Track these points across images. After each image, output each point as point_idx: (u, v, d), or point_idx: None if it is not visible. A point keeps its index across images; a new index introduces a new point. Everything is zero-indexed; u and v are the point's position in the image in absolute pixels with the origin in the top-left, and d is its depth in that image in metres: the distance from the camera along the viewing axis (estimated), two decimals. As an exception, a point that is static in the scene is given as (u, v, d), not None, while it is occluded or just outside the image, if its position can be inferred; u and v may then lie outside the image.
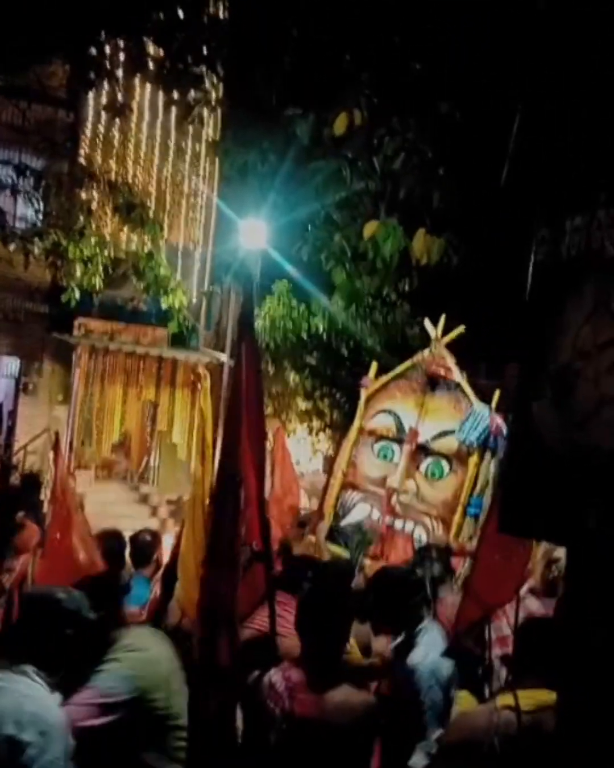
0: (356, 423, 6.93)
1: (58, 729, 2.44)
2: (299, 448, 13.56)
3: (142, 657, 2.93)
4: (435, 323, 6.77)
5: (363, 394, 6.95)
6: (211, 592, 3.03)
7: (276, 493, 6.97)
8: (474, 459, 6.20)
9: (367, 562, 6.13)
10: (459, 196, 6.32)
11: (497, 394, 6.40)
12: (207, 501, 3.58)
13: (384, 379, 6.90)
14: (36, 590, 3.23)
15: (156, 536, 5.89)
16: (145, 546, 5.67)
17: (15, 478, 12.22)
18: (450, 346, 6.67)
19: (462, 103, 5.86)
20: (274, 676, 3.11)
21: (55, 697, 2.56)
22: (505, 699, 2.69)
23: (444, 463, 6.40)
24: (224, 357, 15.32)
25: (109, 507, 14.26)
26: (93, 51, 6.89)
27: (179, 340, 15.92)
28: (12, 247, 10.22)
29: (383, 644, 5.03)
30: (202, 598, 3.07)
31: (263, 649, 3.47)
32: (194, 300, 15.95)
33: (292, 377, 14.46)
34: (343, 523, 6.63)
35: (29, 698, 2.46)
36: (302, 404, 14.46)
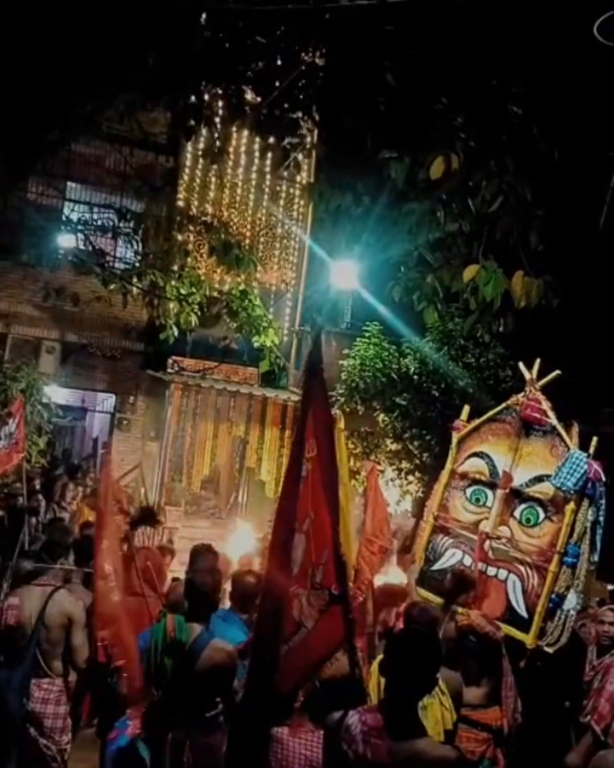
0: (448, 466, 6.81)
1: None
2: (387, 489, 13.41)
3: None
4: (529, 366, 6.64)
5: (455, 437, 6.84)
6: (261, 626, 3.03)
7: (366, 534, 6.83)
8: (570, 506, 5.98)
9: (458, 609, 5.99)
10: (557, 238, 6.22)
11: (594, 440, 6.21)
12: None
13: (477, 421, 6.79)
14: None
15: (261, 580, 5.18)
16: (247, 589, 5.19)
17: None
18: (546, 390, 6.53)
19: (560, 143, 5.80)
20: (352, 718, 3.07)
21: None
22: None
23: (540, 510, 6.20)
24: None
25: (196, 543, 14.32)
26: (193, 99, 7.10)
27: (269, 379, 16.06)
28: (112, 286, 10.53)
29: (475, 694, 4.87)
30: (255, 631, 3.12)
31: (344, 691, 3.43)
32: (285, 339, 16.09)
33: (381, 418, 14.37)
34: (434, 568, 6.51)
35: None
36: (391, 445, 14.33)
